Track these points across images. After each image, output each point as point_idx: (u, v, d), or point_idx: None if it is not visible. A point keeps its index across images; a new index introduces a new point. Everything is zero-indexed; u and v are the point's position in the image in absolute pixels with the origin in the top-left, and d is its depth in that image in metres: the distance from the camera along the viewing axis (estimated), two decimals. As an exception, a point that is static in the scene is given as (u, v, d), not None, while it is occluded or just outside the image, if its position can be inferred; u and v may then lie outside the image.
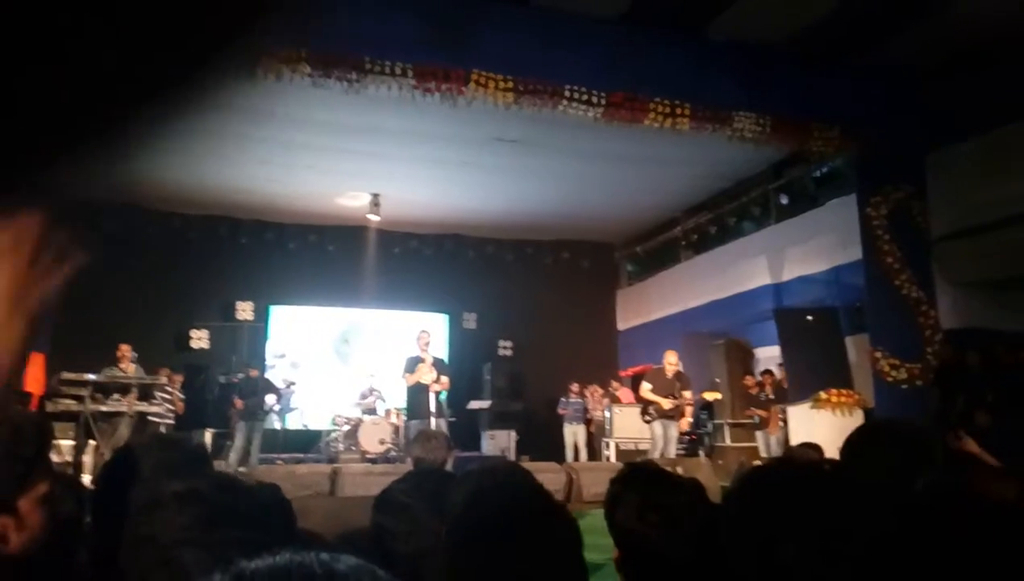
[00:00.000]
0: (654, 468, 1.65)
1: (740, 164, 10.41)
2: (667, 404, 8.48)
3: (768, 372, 9.87)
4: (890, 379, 7.62)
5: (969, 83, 7.62)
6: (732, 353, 10.59)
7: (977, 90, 7.55)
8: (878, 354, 7.80)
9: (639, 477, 1.55)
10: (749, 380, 10.19)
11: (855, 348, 8.82)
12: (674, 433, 8.62)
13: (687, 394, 8.72)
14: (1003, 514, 1.03)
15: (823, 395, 8.10)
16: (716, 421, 10.24)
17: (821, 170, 10.21)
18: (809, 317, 9.17)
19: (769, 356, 10.20)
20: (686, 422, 9.00)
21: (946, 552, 0.90)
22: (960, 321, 7.73)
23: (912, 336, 7.78)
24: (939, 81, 7.90)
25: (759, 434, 9.65)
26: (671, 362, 8.70)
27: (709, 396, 10.23)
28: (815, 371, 8.59)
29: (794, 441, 7.89)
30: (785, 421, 8.90)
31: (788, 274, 10.53)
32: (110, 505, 1.35)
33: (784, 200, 10.78)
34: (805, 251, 10.17)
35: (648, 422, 8.70)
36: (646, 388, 8.78)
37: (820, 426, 7.60)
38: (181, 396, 9.95)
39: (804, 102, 8.04)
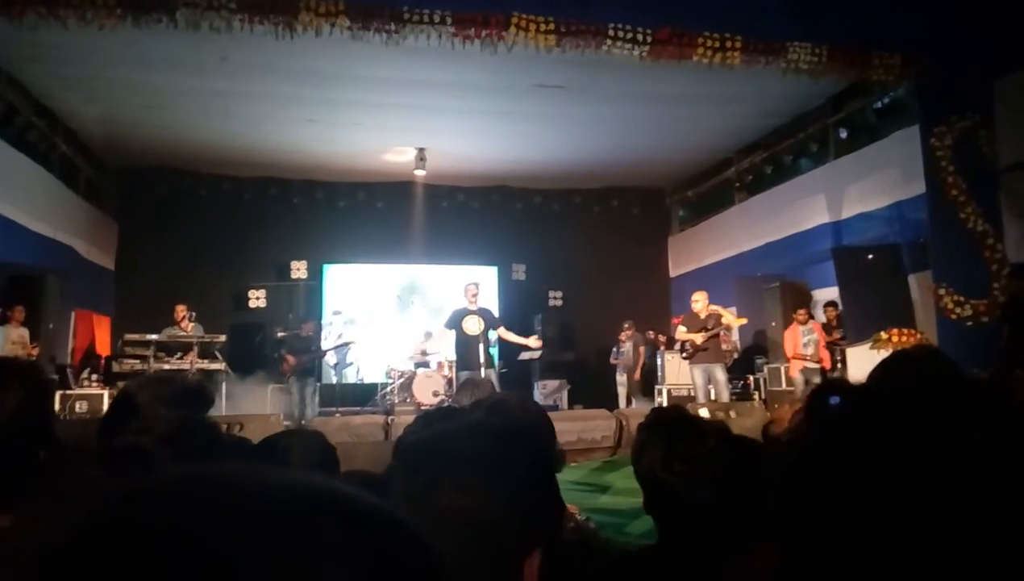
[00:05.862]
0: (679, 414, 1.62)
1: (797, 99, 10.01)
2: (699, 338, 8.50)
3: (830, 305, 9.59)
4: (954, 316, 7.34)
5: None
6: (788, 296, 10.29)
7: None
8: (942, 291, 7.51)
9: (664, 423, 1.52)
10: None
11: (918, 286, 8.50)
12: (721, 377, 8.56)
13: (725, 319, 8.78)
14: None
15: (883, 335, 7.85)
16: (771, 365, 10.00)
17: (883, 101, 9.73)
18: (870, 255, 8.86)
19: (828, 298, 9.91)
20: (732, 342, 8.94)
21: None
22: (1029, 254, 7.37)
23: (978, 271, 7.46)
24: (1006, 3, 7.39)
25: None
26: (697, 301, 8.80)
27: (735, 321, 9.46)
28: (875, 310, 8.32)
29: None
30: (844, 362, 8.68)
31: (848, 212, 10.15)
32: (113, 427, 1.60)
33: (844, 134, 10.32)
34: (866, 187, 9.77)
35: (686, 358, 8.78)
36: (681, 331, 8.86)
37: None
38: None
39: (862, 29, 7.65)
